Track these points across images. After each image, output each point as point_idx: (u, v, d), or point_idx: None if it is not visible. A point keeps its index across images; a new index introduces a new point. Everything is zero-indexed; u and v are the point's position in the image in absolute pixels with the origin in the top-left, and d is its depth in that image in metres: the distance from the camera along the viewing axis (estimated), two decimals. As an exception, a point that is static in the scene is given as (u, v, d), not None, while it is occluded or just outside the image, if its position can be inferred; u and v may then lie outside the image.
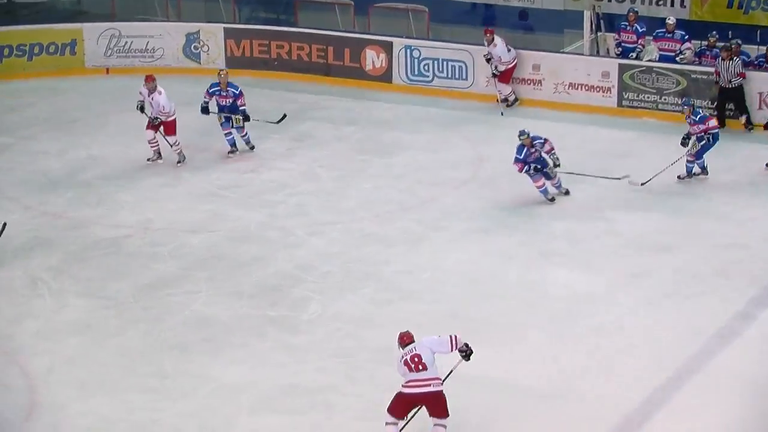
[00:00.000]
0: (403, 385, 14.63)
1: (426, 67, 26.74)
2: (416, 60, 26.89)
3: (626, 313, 17.98)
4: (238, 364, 16.82)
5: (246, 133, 23.91)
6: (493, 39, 25.85)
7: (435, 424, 14.73)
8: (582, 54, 27.09)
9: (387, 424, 14.67)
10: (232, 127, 23.70)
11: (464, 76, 26.81)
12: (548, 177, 21.16)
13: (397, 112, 26.27)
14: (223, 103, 23.55)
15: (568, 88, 26.13)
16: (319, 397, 16.04)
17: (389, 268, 19.51)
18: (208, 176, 23.08)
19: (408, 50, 27.15)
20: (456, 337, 14.75)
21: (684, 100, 22.86)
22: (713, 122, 22.26)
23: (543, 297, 18.58)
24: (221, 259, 19.88)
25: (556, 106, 26.10)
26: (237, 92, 23.54)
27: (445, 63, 26.82)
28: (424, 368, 14.55)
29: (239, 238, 20.65)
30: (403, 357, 14.65)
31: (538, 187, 21.12)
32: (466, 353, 14.78)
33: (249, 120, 23.52)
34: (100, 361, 17.01)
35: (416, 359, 14.57)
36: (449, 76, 26.88)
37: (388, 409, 14.69)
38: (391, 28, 28.38)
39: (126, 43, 28.15)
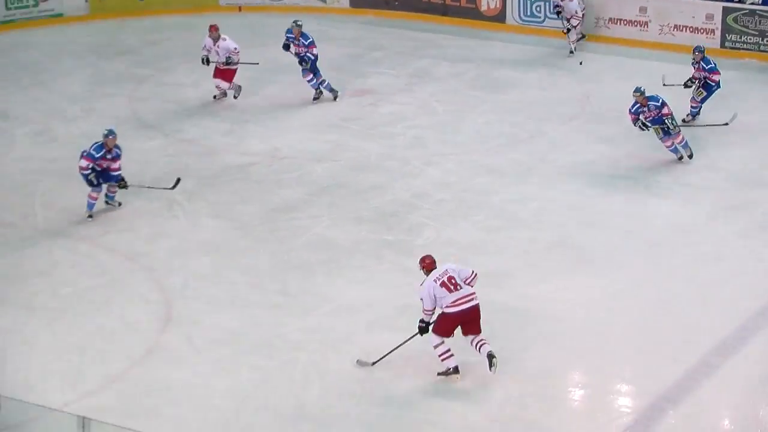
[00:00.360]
0: (446, 306, 14.50)
1: (538, 9, 26.58)
2: (529, 2, 26.72)
3: (723, 244, 17.87)
4: (357, 284, 16.97)
5: (312, 79, 23.43)
6: None
7: (480, 342, 14.67)
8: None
9: (436, 345, 14.65)
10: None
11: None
12: (667, 134, 20.41)
13: (509, 51, 26.18)
14: (299, 52, 23.26)
15: (673, 30, 25.83)
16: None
17: (499, 197, 19.51)
18: (331, 109, 23.17)
19: (522, -8, 27.04)
20: (477, 275, 14.70)
21: (696, 46, 22.28)
22: (717, 77, 21.78)
23: (644, 227, 18.52)
24: (342, 187, 20.01)
25: (661, 46, 25.82)
26: (309, 41, 23.00)
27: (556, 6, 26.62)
28: (460, 287, 14.55)
29: (359, 167, 20.75)
30: (438, 279, 14.57)
31: (667, 147, 20.44)
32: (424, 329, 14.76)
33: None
34: (230, 279, 17.23)
35: (452, 280, 14.56)
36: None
37: (434, 331, 14.65)
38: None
39: (257, -18, 28.30)
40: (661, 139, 20.21)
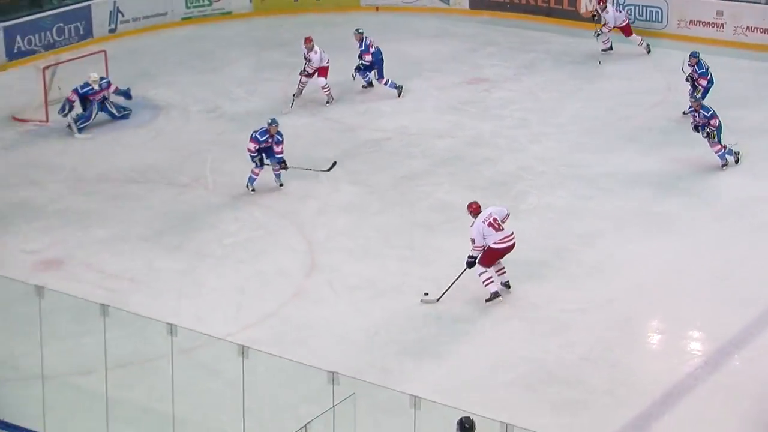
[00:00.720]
0: (494, 242, 14.96)
1: (629, 11, 26.12)
2: (621, 5, 26.28)
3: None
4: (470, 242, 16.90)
5: (380, 79, 22.48)
6: (605, 6, 24.69)
7: (501, 270, 15.33)
8: (759, 3, 26.08)
9: (481, 273, 15.09)
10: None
11: (659, 19, 26.13)
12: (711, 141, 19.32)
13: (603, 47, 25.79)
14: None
15: (746, 31, 25.27)
16: (531, 270, 16.06)
17: (592, 170, 19.30)
18: (450, 93, 23.05)
19: (615, -3, 26.64)
20: (509, 215, 15.31)
21: (692, 52, 21.32)
22: (704, 81, 20.79)
23: (716, 197, 18.26)
24: (460, 159, 19.92)
25: (735, 45, 25.27)
26: (362, 49, 21.91)
27: (644, 8, 26.17)
28: (503, 228, 15.01)
29: (474, 143, 20.64)
30: (486, 221, 15.00)
31: (716, 152, 19.25)
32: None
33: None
34: (364, 234, 17.29)
35: (496, 221, 15.03)
36: (647, 18, 26.23)
37: (480, 263, 15.05)
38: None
39: (398, -13, 28.16)
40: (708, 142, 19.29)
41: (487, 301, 15.14)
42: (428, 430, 10.72)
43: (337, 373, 10.78)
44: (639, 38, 24.84)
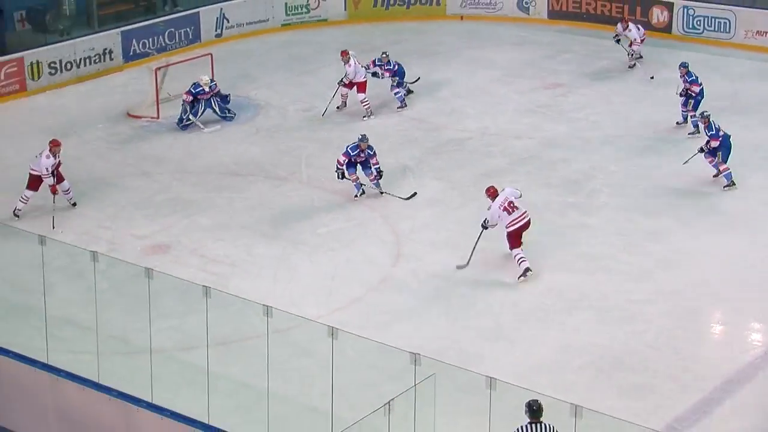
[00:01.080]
0: (508, 225, 15.37)
1: (699, 22, 25.74)
2: (691, 17, 25.91)
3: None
4: (545, 235, 16.74)
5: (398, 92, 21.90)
6: (627, 26, 24.06)
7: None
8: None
9: (515, 255, 15.38)
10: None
11: (727, 30, 25.72)
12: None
13: (673, 56, 25.33)
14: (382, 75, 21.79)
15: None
16: (602, 263, 15.95)
17: (660, 171, 19.05)
18: (528, 97, 22.88)
19: (685, 9, 26.17)
20: (521, 194, 15.68)
21: (681, 63, 20.86)
22: (697, 88, 20.37)
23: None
24: (536, 158, 19.78)
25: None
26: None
27: (713, 19, 25.78)
28: (516, 209, 15.37)
29: (550, 143, 20.47)
30: (501, 205, 15.37)
31: (716, 167, 18.50)
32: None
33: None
34: (446, 227, 17.24)
35: (510, 204, 15.37)
36: (716, 29, 25.83)
37: (511, 247, 15.43)
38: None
39: (476, -3, 28.03)
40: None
41: (519, 277, 15.33)
42: (502, 409, 10.68)
43: (419, 354, 10.76)
44: (635, 59, 24.21)
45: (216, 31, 26.32)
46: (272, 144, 20.62)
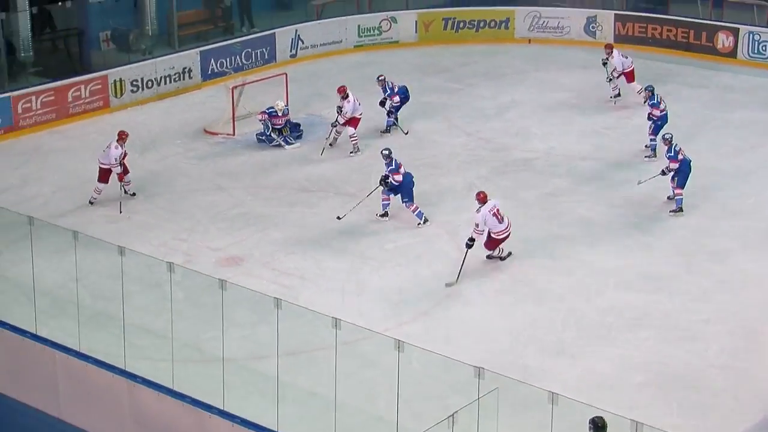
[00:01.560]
0: (494, 233, 15.90)
1: (764, 47, 25.43)
2: (756, 42, 25.61)
3: None
4: (608, 254, 16.70)
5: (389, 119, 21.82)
6: (611, 52, 23.29)
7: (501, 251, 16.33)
8: None
9: (489, 256, 16.16)
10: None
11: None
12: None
13: (737, 80, 25.10)
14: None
15: None
16: (663, 283, 15.81)
17: (723, 193, 18.85)
18: (594, 119, 22.72)
19: (751, 35, 25.87)
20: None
21: (647, 85, 20.60)
22: (658, 113, 20.12)
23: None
24: (600, 179, 19.66)
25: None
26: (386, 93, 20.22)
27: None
28: (504, 220, 15.91)
29: (614, 164, 20.32)
30: (491, 211, 15.80)
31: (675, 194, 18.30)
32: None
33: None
34: (510, 245, 16.99)
35: (499, 213, 15.89)
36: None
37: (486, 247, 16.07)
38: (739, 17, 27.01)
39: (544, 21, 27.82)
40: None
41: (496, 258, 16.25)
42: (563, 425, 10.61)
43: (483, 368, 10.73)
44: (639, 86, 23.02)
45: (291, 51, 26.52)
46: (342, 161, 20.71)
